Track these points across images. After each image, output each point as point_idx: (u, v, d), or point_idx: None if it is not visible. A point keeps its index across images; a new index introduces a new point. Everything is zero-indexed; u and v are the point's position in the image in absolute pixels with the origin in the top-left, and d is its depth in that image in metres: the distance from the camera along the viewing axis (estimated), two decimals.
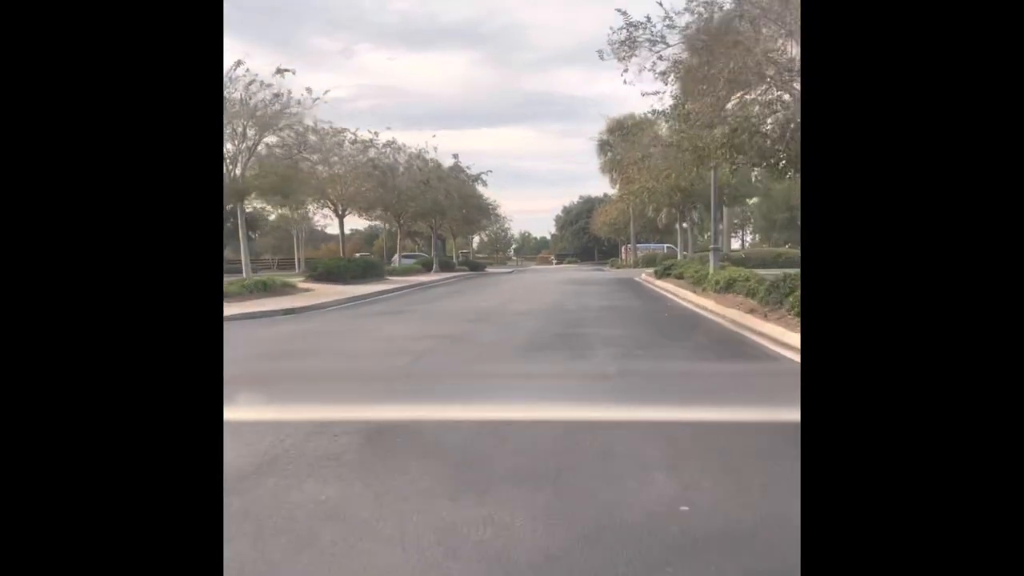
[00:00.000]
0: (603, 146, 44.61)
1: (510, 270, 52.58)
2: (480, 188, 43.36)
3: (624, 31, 11.80)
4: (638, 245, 53.81)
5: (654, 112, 15.14)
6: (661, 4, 11.37)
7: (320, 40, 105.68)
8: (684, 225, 37.19)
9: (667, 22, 11.46)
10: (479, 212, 45.38)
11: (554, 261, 76.82)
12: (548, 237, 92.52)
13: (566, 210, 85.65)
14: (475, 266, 47.83)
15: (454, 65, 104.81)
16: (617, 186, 41.56)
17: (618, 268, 47.33)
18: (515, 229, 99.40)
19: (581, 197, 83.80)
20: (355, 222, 50.86)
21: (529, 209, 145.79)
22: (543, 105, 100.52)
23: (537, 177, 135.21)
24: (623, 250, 56.63)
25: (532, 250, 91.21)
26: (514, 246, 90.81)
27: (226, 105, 17.02)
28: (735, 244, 55.97)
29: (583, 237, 75.68)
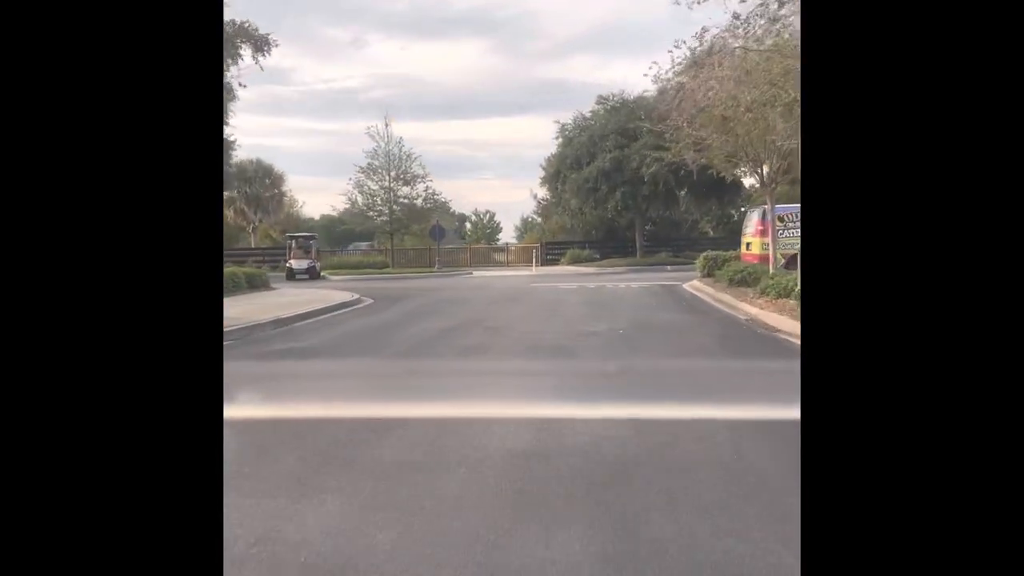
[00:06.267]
0: None
1: None
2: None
3: None
4: (776, 208, 14.94)
5: None
6: None
7: (331, 31, 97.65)
8: None
9: None
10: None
11: (535, 259, 35.75)
12: (535, 203, 47.87)
13: (565, 138, 35.40)
14: None
15: (466, 54, 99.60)
16: None
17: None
18: (515, 216, 77.21)
19: (601, 100, 35.04)
20: None
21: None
22: (556, 92, 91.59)
23: None
24: (755, 225, 18.39)
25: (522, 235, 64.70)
26: (500, 234, 65.67)
27: None
28: None
29: (604, 199, 32.33)
